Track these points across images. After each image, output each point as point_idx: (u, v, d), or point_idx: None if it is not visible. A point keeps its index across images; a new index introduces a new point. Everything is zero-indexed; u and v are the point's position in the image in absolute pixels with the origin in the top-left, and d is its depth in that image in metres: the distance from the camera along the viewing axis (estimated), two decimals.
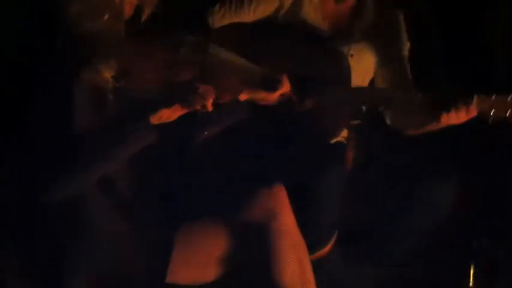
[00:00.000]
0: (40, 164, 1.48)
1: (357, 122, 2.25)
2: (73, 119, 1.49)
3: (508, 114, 2.00)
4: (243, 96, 1.91)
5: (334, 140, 2.28)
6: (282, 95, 1.99)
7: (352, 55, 2.28)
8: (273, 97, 1.97)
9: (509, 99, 2.00)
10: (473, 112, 2.01)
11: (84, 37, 1.55)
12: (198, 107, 1.66)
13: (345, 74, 2.19)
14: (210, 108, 1.67)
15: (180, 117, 1.68)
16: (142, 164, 1.70)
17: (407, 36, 2.35)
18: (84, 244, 1.56)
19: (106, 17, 1.60)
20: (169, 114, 1.64)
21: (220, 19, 2.23)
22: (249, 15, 2.28)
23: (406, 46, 2.34)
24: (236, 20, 2.26)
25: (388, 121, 2.34)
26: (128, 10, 1.67)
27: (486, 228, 2.41)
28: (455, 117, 2.02)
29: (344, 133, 2.28)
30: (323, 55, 2.22)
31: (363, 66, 2.31)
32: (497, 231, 2.39)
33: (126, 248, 1.65)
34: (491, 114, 2.01)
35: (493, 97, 2.01)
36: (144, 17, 1.73)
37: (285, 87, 1.98)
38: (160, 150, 1.73)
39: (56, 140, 1.48)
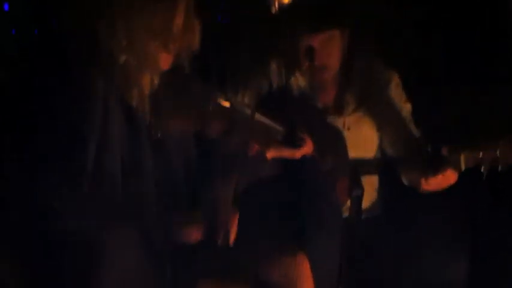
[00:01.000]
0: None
1: (358, 192, 2.22)
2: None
3: (500, 168, 1.98)
4: (270, 154, 1.95)
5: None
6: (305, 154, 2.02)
7: (349, 128, 2.29)
8: (297, 155, 1.99)
9: (497, 153, 1.98)
10: (453, 178, 2.03)
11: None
12: None
13: (342, 149, 2.22)
14: None
15: None
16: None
17: (407, 97, 2.32)
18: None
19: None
20: None
21: None
22: (242, 99, 2.32)
23: (406, 108, 2.32)
24: None
25: (403, 179, 2.31)
26: (164, 62, 1.63)
27: None
28: (435, 184, 2.05)
29: (348, 203, 2.25)
30: (322, 128, 2.24)
31: (363, 136, 2.31)
32: None
33: None
34: (482, 170, 2.00)
35: (480, 154, 1.99)
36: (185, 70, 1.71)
37: (308, 146, 2.01)
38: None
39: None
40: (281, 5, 2.53)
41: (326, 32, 2.19)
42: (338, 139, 2.25)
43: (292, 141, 1.98)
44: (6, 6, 2.24)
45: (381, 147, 2.35)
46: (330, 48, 2.21)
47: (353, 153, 2.25)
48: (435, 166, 2.02)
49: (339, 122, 2.29)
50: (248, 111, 1.93)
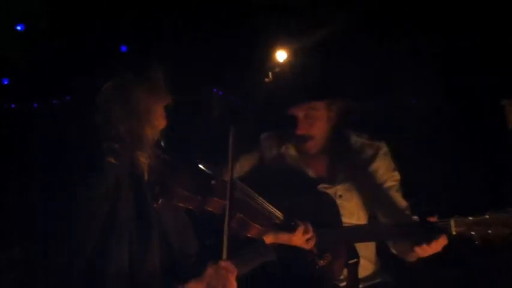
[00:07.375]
0: None
1: (353, 260, 2.29)
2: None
3: (490, 232, 2.02)
4: (269, 239, 2.03)
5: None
6: (307, 247, 2.11)
7: (340, 196, 2.37)
8: (296, 241, 2.08)
9: (486, 216, 2.04)
10: (444, 241, 2.08)
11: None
12: None
13: (335, 215, 2.29)
14: None
15: None
16: None
17: (396, 166, 2.42)
18: None
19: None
20: None
21: None
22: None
23: (394, 176, 2.41)
24: None
25: (392, 250, 2.38)
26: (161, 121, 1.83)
27: None
28: (429, 249, 2.09)
29: (344, 272, 2.32)
30: (314, 199, 2.31)
31: (354, 204, 2.39)
32: None
33: None
34: (474, 234, 2.04)
35: (470, 218, 2.06)
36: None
37: (310, 234, 2.10)
38: None
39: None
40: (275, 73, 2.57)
41: (309, 103, 2.28)
42: (330, 206, 2.31)
43: (288, 226, 2.07)
44: None
45: (373, 215, 2.41)
46: (312, 119, 2.31)
47: (347, 220, 2.31)
48: (427, 234, 2.07)
49: (331, 190, 2.37)
50: (250, 193, 2.02)
